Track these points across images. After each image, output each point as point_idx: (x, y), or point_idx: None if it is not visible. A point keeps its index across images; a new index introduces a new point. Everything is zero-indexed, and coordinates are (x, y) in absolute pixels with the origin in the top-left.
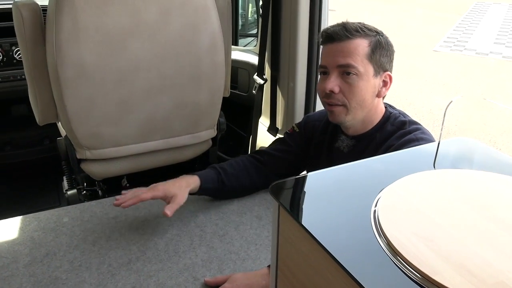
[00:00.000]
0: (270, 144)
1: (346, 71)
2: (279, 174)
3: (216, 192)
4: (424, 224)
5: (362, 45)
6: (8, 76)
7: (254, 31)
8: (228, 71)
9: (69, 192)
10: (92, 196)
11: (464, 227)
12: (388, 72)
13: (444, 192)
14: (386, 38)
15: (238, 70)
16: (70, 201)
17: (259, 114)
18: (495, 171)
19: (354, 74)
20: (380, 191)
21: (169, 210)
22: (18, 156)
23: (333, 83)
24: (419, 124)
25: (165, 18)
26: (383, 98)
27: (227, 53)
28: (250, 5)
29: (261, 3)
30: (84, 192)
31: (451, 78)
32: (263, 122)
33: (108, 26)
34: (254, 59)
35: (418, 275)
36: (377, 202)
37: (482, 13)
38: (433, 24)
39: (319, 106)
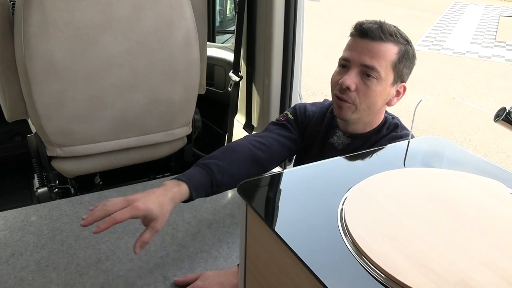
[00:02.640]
0: (269, 127)
1: (367, 73)
2: (276, 163)
3: (208, 196)
4: (390, 223)
5: (391, 51)
6: None
7: (232, 28)
8: (204, 68)
9: (39, 190)
10: (64, 194)
11: (429, 226)
12: (404, 84)
13: (411, 191)
14: (413, 49)
15: (214, 67)
16: (41, 199)
17: (235, 112)
18: (462, 169)
19: (374, 77)
20: (348, 190)
21: (140, 245)
22: None
23: (352, 80)
24: (408, 130)
25: (138, 13)
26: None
27: (202, 49)
28: (229, 1)
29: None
30: (56, 190)
31: (428, 77)
32: (239, 119)
33: (79, 21)
34: (230, 56)
35: (382, 275)
36: (344, 201)
37: (460, 13)
38: (413, 24)
39: (295, 103)
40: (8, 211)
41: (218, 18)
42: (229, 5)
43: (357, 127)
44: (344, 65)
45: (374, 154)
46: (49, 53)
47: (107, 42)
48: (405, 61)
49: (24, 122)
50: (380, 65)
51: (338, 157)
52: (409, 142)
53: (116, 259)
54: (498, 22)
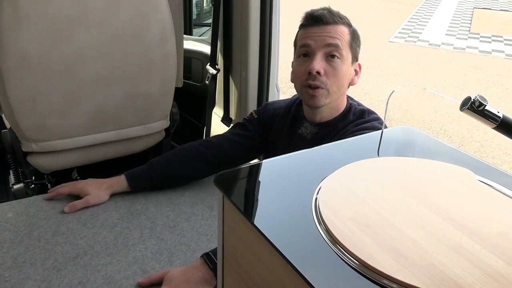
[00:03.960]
0: (228, 130)
1: (331, 53)
2: (235, 159)
3: (153, 187)
4: (362, 210)
5: (345, 31)
6: None
7: (209, 21)
8: (180, 61)
9: (15, 187)
10: (41, 190)
11: (399, 213)
12: (359, 62)
13: (384, 179)
14: (356, 29)
15: (191, 60)
16: (17, 195)
17: (212, 105)
18: (434, 158)
19: (338, 57)
20: (323, 180)
21: (68, 207)
22: None
23: (319, 64)
24: (376, 114)
25: (112, 6)
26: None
27: (179, 42)
28: None
29: None
30: (32, 186)
31: (405, 68)
32: (217, 112)
33: (52, 14)
34: (207, 49)
35: (355, 261)
36: (318, 190)
37: (435, 6)
38: (389, 16)
39: (272, 96)
40: None
41: (195, 11)
42: None
43: (324, 115)
44: (306, 53)
45: (349, 144)
46: (22, 47)
47: (81, 35)
48: (356, 40)
49: None
50: (342, 45)
51: (314, 148)
52: (382, 131)
53: (94, 254)
54: (472, 14)
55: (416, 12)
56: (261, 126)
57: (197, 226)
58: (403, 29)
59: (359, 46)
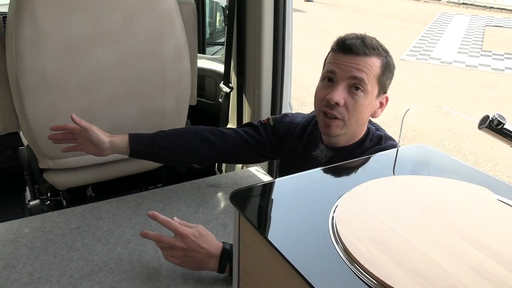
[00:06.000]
0: (240, 126)
1: (356, 85)
2: (235, 156)
3: (150, 155)
4: (380, 229)
5: (376, 64)
6: None
7: (222, 40)
8: (194, 79)
9: (31, 203)
10: (56, 206)
11: (418, 232)
12: (387, 95)
13: (401, 198)
14: (392, 60)
15: (205, 78)
16: (33, 212)
17: (225, 122)
18: (450, 177)
19: (361, 91)
20: (339, 198)
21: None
22: None
23: (340, 95)
24: (394, 140)
25: (128, 26)
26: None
27: (193, 61)
28: (218, 13)
29: (227, 11)
30: (48, 202)
31: (417, 86)
32: None
33: (70, 34)
34: (221, 68)
35: (373, 280)
36: (335, 209)
37: (446, 23)
38: (400, 34)
39: None
40: (0, 224)
41: (208, 30)
42: (219, 17)
43: (340, 140)
44: (330, 78)
45: (363, 163)
46: (40, 66)
47: (98, 54)
48: (387, 73)
49: (15, 135)
50: (367, 79)
51: (328, 167)
52: (397, 150)
53: (109, 271)
54: (484, 32)
55: (427, 30)
56: (274, 135)
57: None
58: (414, 47)
59: (390, 78)
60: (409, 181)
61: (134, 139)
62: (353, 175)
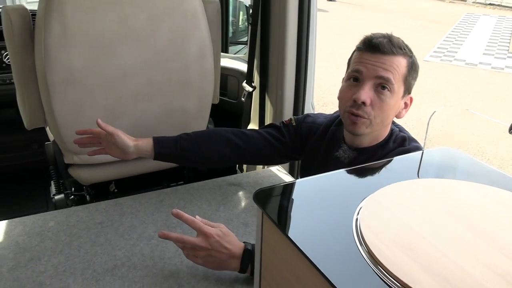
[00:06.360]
0: (263, 127)
1: (382, 85)
2: (259, 157)
3: (174, 158)
4: (405, 233)
5: (402, 64)
6: None
7: (245, 39)
8: (218, 78)
9: (56, 197)
10: (80, 201)
11: (444, 237)
12: (411, 95)
13: (426, 201)
14: (416, 60)
15: (227, 77)
16: (58, 206)
17: (248, 122)
18: (476, 180)
19: (388, 90)
20: (363, 200)
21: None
22: (6, 160)
23: (366, 94)
24: (418, 142)
25: (154, 24)
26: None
27: (216, 60)
28: (241, 12)
29: (251, 11)
30: (72, 197)
31: (441, 88)
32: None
33: (97, 32)
34: (243, 67)
35: (398, 284)
36: (359, 211)
37: (472, 24)
38: (424, 35)
39: None
40: (27, 216)
41: (231, 29)
42: (242, 16)
43: (364, 141)
44: (356, 77)
45: (387, 165)
46: (68, 63)
47: (123, 52)
48: (413, 73)
49: (41, 130)
50: (394, 78)
51: (351, 168)
52: (422, 153)
53: (131, 266)
54: (511, 33)
55: (452, 31)
56: (296, 135)
57: None
58: (438, 48)
59: (415, 78)
60: (435, 185)
61: (158, 142)
62: (376, 177)
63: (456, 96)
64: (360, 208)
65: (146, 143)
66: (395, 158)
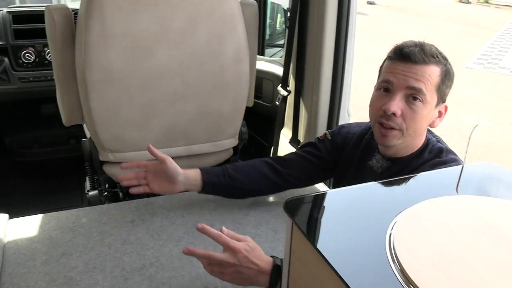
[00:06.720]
0: (299, 148)
1: (414, 95)
2: (302, 177)
3: (223, 188)
4: (441, 252)
5: (435, 73)
6: (40, 76)
7: (282, 41)
8: (253, 81)
9: (90, 193)
10: (113, 198)
11: (483, 258)
12: (446, 104)
13: (465, 220)
14: (452, 67)
15: (263, 80)
16: (91, 201)
17: (281, 126)
18: None
19: (420, 100)
20: (398, 214)
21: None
22: (45, 154)
23: (397, 105)
24: (456, 155)
25: (191, 26)
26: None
27: (252, 63)
28: (279, 15)
29: (288, 14)
30: (105, 193)
31: (482, 97)
32: (285, 133)
33: (136, 32)
34: (279, 70)
35: None
36: (393, 226)
37: None
38: (467, 41)
39: (343, 121)
40: (61, 211)
41: (268, 32)
42: (279, 19)
43: (398, 151)
44: (387, 88)
45: (423, 179)
46: (107, 62)
47: (161, 53)
48: (447, 81)
49: (79, 126)
50: (426, 88)
51: (385, 180)
52: (462, 168)
53: (159, 266)
54: None
55: (498, 37)
56: (333, 148)
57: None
58: (482, 54)
59: (449, 87)
60: (475, 202)
61: (207, 172)
62: (412, 191)
63: (499, 106)
64: (395, 223)
65: (194, 173)
66: (432, 171)
